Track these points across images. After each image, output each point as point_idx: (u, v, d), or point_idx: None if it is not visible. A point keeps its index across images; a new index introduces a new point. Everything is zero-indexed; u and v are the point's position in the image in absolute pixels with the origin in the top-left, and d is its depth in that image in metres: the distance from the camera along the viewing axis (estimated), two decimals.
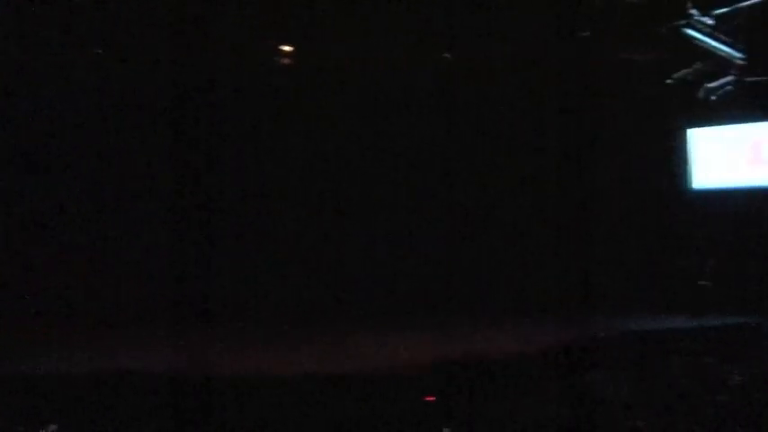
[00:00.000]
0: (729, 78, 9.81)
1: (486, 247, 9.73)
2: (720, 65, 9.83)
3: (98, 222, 7.99)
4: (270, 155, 8.66)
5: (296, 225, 8.70)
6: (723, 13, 9.45)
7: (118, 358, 6.31)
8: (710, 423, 3.74)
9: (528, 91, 9.98)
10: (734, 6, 9.38)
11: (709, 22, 9.54)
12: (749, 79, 9.69)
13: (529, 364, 6.70)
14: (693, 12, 9.43)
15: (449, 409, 5.48)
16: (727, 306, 9.44)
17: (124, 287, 7.78)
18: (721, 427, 3.84)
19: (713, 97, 9.97)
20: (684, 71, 9.94)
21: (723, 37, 9.64)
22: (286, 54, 8.37)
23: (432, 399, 5.55)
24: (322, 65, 8.51)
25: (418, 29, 8.69)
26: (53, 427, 4.81)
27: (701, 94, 9.96)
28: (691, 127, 10.47)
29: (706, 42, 9.73)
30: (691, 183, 10.60)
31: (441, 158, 9.60)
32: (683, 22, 9.52)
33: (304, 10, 8.20)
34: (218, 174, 8.11)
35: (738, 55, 9.70)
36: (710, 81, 9.89)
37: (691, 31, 9.64)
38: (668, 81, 9.99)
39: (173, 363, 6.13)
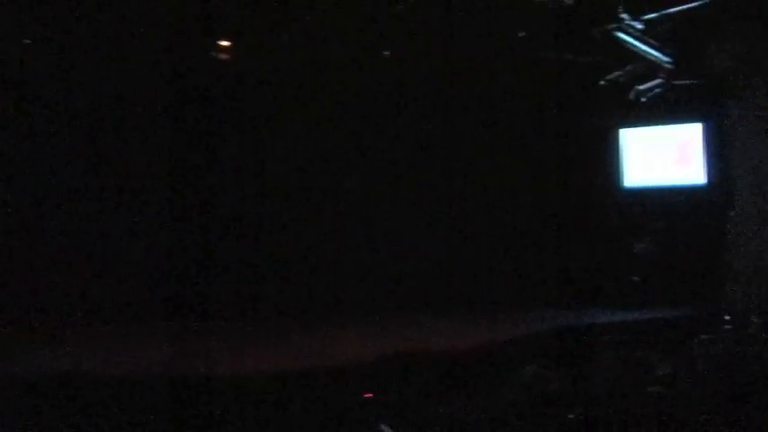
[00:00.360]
0: (658, 81, 9.97)
1: (425, 243, 9.83)
2: (650, 68, 9.94)
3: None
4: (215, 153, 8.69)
5: (239, 223, 8.75)
6: (652, 19, 9.54)
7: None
8: (643, 414, 3.82)
9: (464, 91, 10.02)
10: (662, 12, 9.56)
11: (639, 26, 9.66)
12: (676, 82, 9.94)
13: (465, 359, 6.78)
14: (624, 16, 9.48)
15: (387, 405, 5.55)
16: (657, 299, 9.59)
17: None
18: (654, 417, 3.92)
19: (644, 99, 10.10)
20: (616, 73, 10.07)
21: (652, 41, 9.72)
22: (224, 49, 8.38)
23: (370, 395, 5.59)
24: (263, 61, 8.58)
25: (362, 26, 8.72)
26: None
27: (632, 95, 10.08)
28: (623, 127, 10.71)
29: (636, 46, 9.81)
30: (623, 181, 10.80)
31: (381, 158, 9.69)
32: (614, 25, 9.61)
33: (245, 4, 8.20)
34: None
35: (666, 59, 9.88)
36: (641, 83, 10.02)
37: (622, 35, 9.72)
38: (601, 83, 10.07)
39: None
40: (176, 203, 7.70)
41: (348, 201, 9.31)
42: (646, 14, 9.58)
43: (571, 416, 4.03)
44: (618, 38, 9.79)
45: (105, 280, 7.86)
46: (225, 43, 8.06)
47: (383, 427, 4.80)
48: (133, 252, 7.85)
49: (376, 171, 9.45)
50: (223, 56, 8.07)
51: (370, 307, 9.10)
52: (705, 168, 10.31)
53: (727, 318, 8.44)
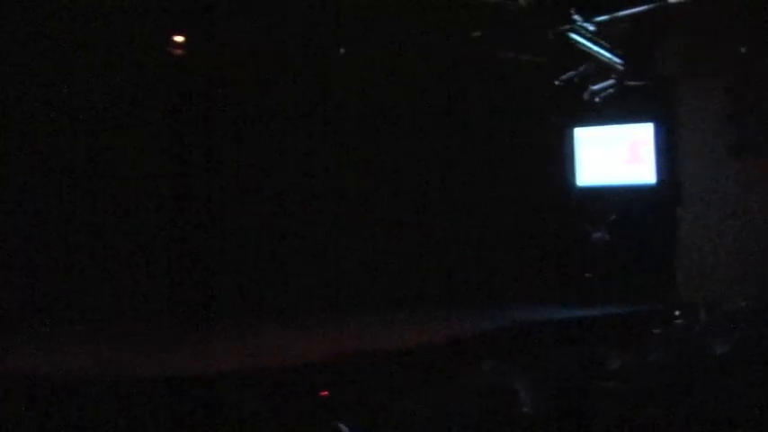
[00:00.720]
0: (611, 81, 10.08)
1: (374, 241, 9.74)
2: (603, 69, 10.06)
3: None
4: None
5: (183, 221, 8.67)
6: (603, 21, 9.72)
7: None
8: (598, 409, 3.92)
9: (420, 90, 9.96)
10: (613, 15, 9.69)
11: (591, 28, 9.75)
12: (628, 83, 10.02)
13: (421, 356, 6.78)
14: (577, 18, 9.64)
15: (343, 403, 5.40)
16: (610, 296, 9.72)
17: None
18: (609, 413, 4.02)
19: (597, 99, 10.22)
20: (570, 73, 10.18)
21: (604, 43, 9.88)
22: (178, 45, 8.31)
23: (326, 393, 5.51)
24: (215, 57, 8.50)
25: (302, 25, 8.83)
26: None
27: (585, 95, 10.21)
28: (577, 126, 10.77)
29: (589, 47, 9.97)
30: (576, 180, 10.88)
31: (319, 159, 9.53)
32: (567, 27, 9.75)
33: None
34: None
35: (618, 60, 10.01)
36: (594, 84, 10.14)
37: (575, 36, 9.88)
38: (556, 83, 10.19)
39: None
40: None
41: (303, 198, 9.27)
42: (598, 17, 9.73)
43: (527, 410, 4.04)
44: (571, 39, 9.96)
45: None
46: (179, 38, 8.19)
47: (341, 425, 4.57)
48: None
49: (339, 172, 9.41)
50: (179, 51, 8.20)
51: (329, 305, 9.12)
52: (656, 168, 10.37)
53: (678, 313, 8.50)
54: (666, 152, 10.34)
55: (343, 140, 9.47)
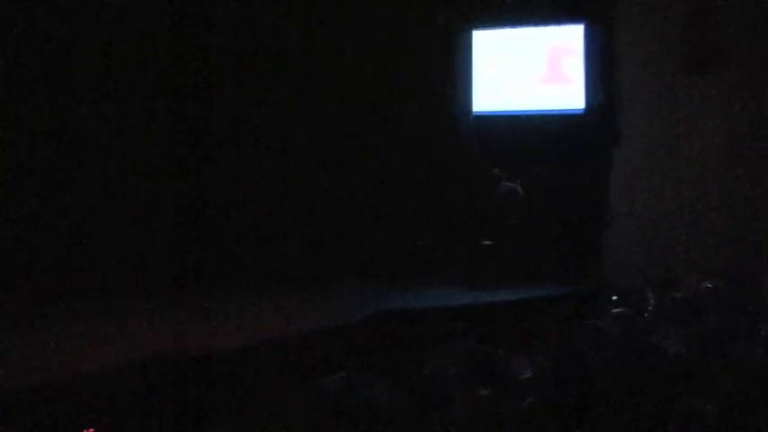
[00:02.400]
0: None
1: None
2: None
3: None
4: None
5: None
6: None
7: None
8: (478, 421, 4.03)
9: None
10: None
11: None
12: None
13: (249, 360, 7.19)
14: None
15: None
16: (517, 274, 9.50)
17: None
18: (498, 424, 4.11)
19: None
20: None
21: None
22: None
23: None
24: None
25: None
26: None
27: None
28: (473, 28, 10.26)
29: None
30: (470, 106, 10.30)
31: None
32: None
33: None
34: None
35: None
36: None
37: None
38: None
39: None
40: None
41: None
42: None
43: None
44: None
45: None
46: None
47: None
48: None
49: None
50: None
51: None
52: (585, 89, 9.82)
53: (615, 298, 8.22)
54: (600, 66, 9.75)
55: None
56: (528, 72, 10.12)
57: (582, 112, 9.92)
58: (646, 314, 7.44)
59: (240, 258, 10.13)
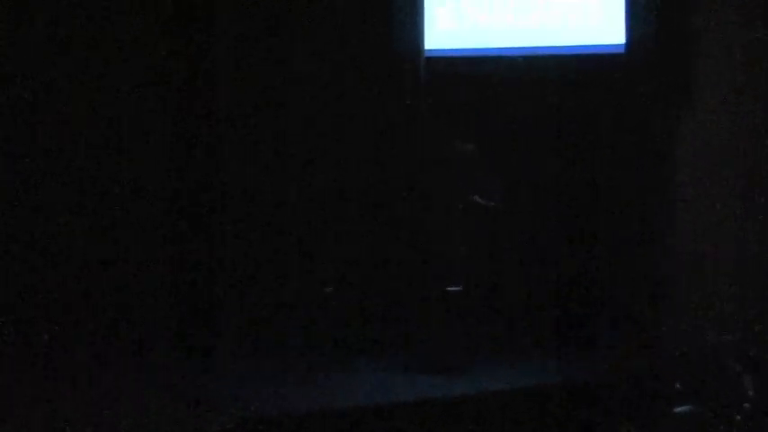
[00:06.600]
0: None
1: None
2: None
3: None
4: None
5: None
6: None
7: None
8: None
9: None
10: None
11: None
12: None
13: None
14: None
15: None
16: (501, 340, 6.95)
17: None
18: None
19: None
20: None
21: None
22: None
23: None
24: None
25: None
26: None
27: None
28: None
29: None
30: (421, 41, 7.43)
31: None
32: None
33: None
34: None
35: None
36: None
37: None
38: None
39: None
40: None
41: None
42: None
43: None
44: None
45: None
46: None
47: None
48: None
49: None
50: None
51: None
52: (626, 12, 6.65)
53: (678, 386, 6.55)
54: None
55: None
56: None
57: (620, 50, 6.76)
58: (738, 414, 6.41)
59: None
